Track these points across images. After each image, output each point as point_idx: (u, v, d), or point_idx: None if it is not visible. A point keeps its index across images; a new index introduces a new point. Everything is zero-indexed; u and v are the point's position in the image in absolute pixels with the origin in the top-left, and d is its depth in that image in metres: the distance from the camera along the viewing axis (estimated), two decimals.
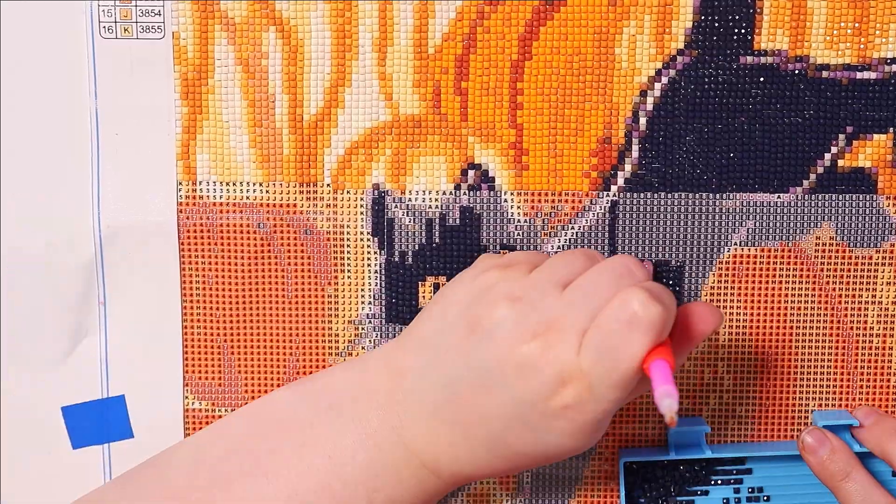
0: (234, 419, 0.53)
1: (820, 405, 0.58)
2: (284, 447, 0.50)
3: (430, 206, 0.57)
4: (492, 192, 0.57)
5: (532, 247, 0.57)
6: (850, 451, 0.55)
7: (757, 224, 0.57)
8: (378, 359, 0.52)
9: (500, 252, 0.57)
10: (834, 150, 0.56)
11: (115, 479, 0.54)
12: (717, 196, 0.56)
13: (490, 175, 0.57)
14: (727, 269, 0.57)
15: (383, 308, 0.58)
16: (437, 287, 0.58)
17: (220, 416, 0.59)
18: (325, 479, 0.49)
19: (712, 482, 0.58)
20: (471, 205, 0.57)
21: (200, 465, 0.51)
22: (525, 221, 0.57)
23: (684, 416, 0.58)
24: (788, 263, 0.57)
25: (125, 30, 0.56)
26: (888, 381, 0.58)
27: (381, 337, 0.58)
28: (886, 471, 0.57)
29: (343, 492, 0.49)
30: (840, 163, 0.56)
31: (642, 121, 0.56)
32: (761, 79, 0.56)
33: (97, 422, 0.58)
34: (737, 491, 0.59)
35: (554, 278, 0.48)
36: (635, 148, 0.56)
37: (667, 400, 0.43)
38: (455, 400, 0.48)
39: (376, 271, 0.58)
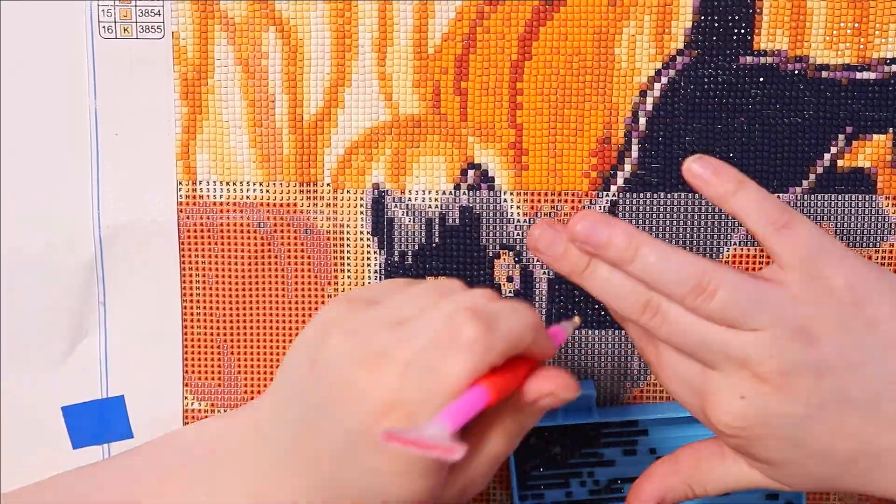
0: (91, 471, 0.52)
1: None
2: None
3: (429, 206, 0.57)
4: (491, 192, 0.57)
5: None
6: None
7: None
8: (248, 406, 0.50)
9: (499, 253, 0.57)
10: (833, 150, 0.56)
11: None
12: None
13: (490, 175, 0.57)
14: None
15: None
16: None
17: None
18: None
19: (604, 444, 0.58)
20: (470, 205, 0.57)
21: None
22: (525, 221, 0.57)
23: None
24: None
25: (125, 30, 0.56)
26: None
27: None
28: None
29: None
30: (839, 163, 0.56)
31: (642, 121, 0.56)
32: (761, 79, 0.56)
33: (97, 422, 0.58)
34: (632, 453, 0.58)
35: (389, 315, 0.46)
36: (635, 148, 0.56)
37: (434, 431, 0.40)
38: (298, 442, 0.46)
39: (376, 271, 0.58)
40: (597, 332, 0.58)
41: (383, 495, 0.44)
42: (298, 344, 0.47)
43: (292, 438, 0.46)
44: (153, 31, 0.56)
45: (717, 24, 0.55)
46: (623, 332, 0.58)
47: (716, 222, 0.57)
